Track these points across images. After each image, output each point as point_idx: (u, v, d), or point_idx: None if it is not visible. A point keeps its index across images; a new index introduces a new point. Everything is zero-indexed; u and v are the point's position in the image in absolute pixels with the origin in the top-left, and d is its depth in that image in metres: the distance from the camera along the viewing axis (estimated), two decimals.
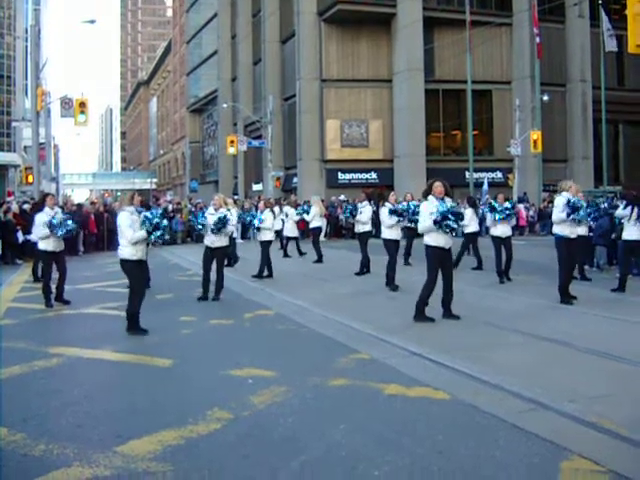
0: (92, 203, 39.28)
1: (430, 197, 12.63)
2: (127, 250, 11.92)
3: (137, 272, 12.18)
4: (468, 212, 20.68)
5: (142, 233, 11.83)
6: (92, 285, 18.49)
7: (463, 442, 6.43)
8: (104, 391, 8.57)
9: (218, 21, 77.94)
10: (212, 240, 15.91)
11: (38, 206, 16.49)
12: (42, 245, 15.24)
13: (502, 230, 18.28)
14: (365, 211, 20.13)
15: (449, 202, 12.56)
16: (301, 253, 26.75)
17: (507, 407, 7.40)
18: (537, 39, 50.88)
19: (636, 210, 15.83)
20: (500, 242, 18.31)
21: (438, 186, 12.63)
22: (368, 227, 20.30)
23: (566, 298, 14.40)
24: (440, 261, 12.48)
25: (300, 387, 8.26)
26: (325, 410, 7.46)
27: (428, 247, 12.51)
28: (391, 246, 17.23)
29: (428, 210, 12.37)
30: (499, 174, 54.48)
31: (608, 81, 54.46)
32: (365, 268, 20.09)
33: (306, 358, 9.92)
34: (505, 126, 54.78)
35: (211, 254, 16.13)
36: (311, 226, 25.34)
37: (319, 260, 24.25)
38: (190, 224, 17.76)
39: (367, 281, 18.60)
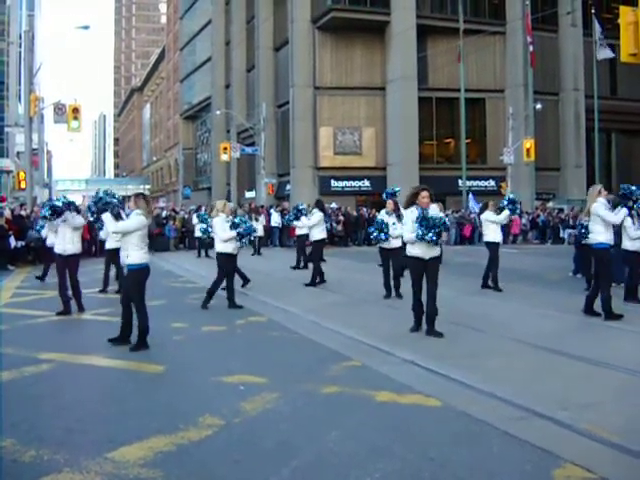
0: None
1: (413, 208, 11.81)
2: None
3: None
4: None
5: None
6: (84, 291, 18.40)
7: (455, 449, 6.42)
8: (95, 397, 8.53)
9: (212, 28, 77.99)
10: (235, 247, 15.88)
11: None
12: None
13: (493, 236, 18.15)
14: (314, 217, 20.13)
15: (435, 210, 12.06)
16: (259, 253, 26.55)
17: (499, 414, 7.39)
18: (530, 48, 51.03)
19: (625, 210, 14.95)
20: (495, 248, 18.12)
21: (425, 197, 11.80)
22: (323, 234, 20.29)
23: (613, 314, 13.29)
24: (420, 273, 11.81)
25: (292, 394, 8.24)
26: (317, 417, 7.44)
27: (408, 258, 12.03)
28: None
29: (411, 220, 11.72)
30: (492, 182, 54.60)
31: (601, 90, 54.59)
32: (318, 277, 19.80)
33: (298, 365, 9.90)
34: (498, 134, 54.87)
35: (233, 260, 16.21)
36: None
37: (297, 267, 24.45)
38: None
39: (359, 288, 18.57)
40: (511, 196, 18.76)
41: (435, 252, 11.83)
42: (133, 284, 11.17)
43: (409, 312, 12.07)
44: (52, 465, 6.04)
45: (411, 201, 11.96)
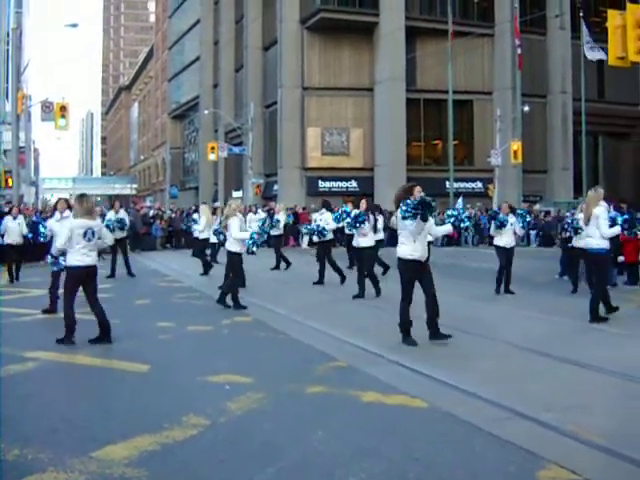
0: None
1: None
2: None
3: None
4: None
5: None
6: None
7: (440, 450, 6.43)
8: (80, 396, 8.51)
9: (201, 27, 77.95)
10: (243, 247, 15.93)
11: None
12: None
13: (506, 240, 17.86)
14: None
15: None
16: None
17: (484, 415, 7.40)
18: (518, 50, 51.02)
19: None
20: (504, 252, 17.89)
21: (421, 191, 11.14)
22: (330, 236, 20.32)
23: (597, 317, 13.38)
24: (415, 277, 11.16)
25: (277, 394, 8.24)
26: (302, 417, 7.44)
27: (404, 261, 11.11)
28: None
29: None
30: (479, 184, 54.73)
31: (588, 93, 54.70)
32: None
33: (283, 365, 9.90)
34: (486, 136, 54.98)
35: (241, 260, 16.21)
36: (274, 234, 23.45)
37: (277, 267, 24.44)
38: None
39: (346, 289, 18.57)
40: (520, 211, 18.74)
41: (427, 252, 11.58)
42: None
43: (395, 312, 12.02)
44: (36, 464, 6.02)
45: (405, 197, 11.07)
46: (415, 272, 11.14)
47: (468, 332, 12.25)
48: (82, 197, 11.87)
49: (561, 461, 6.07)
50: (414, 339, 10.92)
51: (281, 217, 24.53)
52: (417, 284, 11.14)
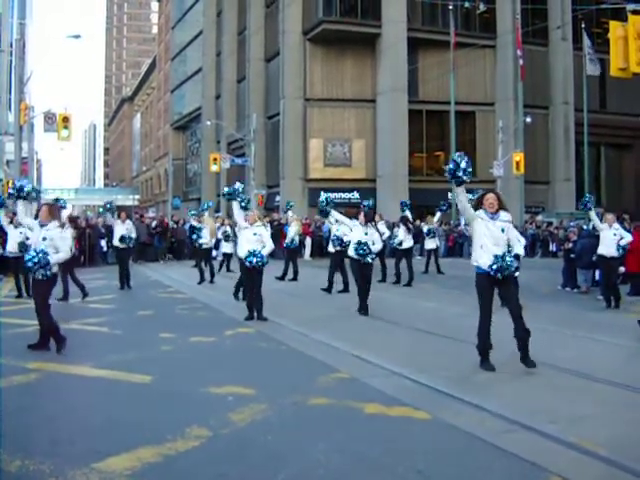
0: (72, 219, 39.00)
1: (480, 211, 10.32)
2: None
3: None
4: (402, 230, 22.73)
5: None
6: (72, 301, 18.39)
7: (443, 462, 6.41)
8: (82, 407, 8.49)
9: (203, 38, 78.05)
10: None
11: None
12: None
13: None
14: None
15: (507, 217, 10.34)
16: (229, 270, 26.56)
17: (487, 427, 7.38)
18: (520, 61, 51.17)
19: None
20: None
21: (490, 199, 10.39)
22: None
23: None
24: (492, 293, 10.23)
25: (280, 405, 8.22)
26: (305, 429, 7.42)
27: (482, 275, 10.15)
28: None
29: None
30: None
31: (590, 104, 54.79)
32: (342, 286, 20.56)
33: (286, 376, 9.88)
34: (488, 147, 54.94)
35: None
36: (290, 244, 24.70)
37: (295, 278, 24.35)
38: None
39: (348, 300, 18.55)
40: None
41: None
42: None
43: (398, 324, 11.98)
44: (37, 475, 6.01)
45: (476, 206, 10.52)
46: (492, 288, 10.28)
47: (471, 342, 12.23)
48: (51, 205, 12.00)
49: (564, 473, 6.06)
50: (492, 364, 10.11)
51: (294, 227, 24.59)
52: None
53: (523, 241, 9.72)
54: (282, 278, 24.16)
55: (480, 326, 10.16)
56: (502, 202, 10.40)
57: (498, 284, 10.10)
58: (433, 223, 27.61)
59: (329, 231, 23.09)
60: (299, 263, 25.31)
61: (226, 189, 15.64)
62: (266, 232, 15.27)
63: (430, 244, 28.20)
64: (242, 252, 14.99)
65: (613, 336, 13.16)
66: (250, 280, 15.27)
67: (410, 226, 23.55)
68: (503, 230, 10.11)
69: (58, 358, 10.98)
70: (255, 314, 15.04)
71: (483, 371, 9.89)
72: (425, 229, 28.27)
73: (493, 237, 10.00)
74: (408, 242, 23.40)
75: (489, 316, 10.13)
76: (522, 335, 9.96)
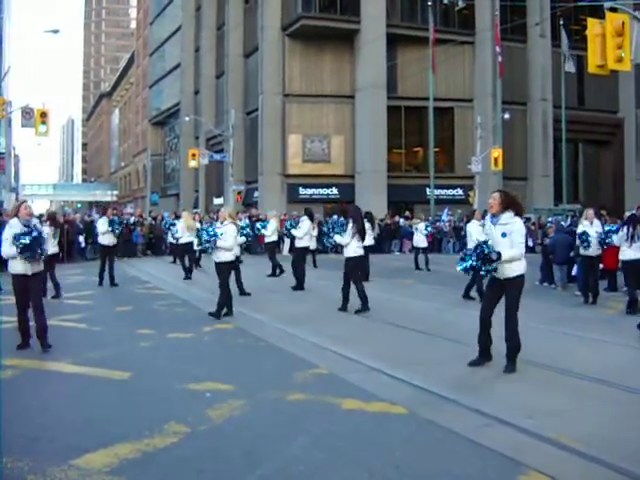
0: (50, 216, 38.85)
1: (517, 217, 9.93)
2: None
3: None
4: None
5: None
6: (50, 297, 18.31)
7: (420, 457, 6.45)
8: (60, 403, 8.47)
9: (182, 34, 77.69)
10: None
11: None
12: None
13: None
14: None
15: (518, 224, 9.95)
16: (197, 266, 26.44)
17: (465, 422, 7.42)
18: (499, 58, 51.24)
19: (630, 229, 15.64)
20: None
21: (490, 199, 10.11)
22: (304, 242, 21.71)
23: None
24: (497, 295, 10.20)
25: (258, 401, 8.23)
26: (283, 424, 7.44)
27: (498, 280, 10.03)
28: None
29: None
30: (460, 191, 54.78)
31: (568, 100, 54.93)
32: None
33: (264, 372, 9.89)
34: (466, 143, 54.96)
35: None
36: (268, 240, 24.99)
37: (273, 274, 24.32)
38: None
39: (326, 296, 18.58)
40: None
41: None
42: None
43: (378, 320, 12.02)
44: (16, 473, 6.00)
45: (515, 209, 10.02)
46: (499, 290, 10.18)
47: (451, 339, 12.29)
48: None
49: (541, 467, 6.11)
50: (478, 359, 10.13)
51: (273, 224, 24.61)
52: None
53: (518, 249, 9.35)
54: (281, 272, 24.14)
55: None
56: (506, 201, 9.98)
57: (503, 287, 10.00)
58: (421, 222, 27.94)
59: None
60: (278, 258, 25.33)
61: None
62: (232, 231, 15.13)
63: (421, 242, 28.09)
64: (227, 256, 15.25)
65: (590, 331, 13.25)
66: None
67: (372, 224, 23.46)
68: (504, 235, 9.79)
69: (35, 354, 10.94)
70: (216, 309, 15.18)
71: (460, 367, 9.93)
72: (419, 226, 28.18)
73: (494, 242, 9.81)
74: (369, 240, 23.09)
75: (484, 314, 10.15)
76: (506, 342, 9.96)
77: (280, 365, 10.35)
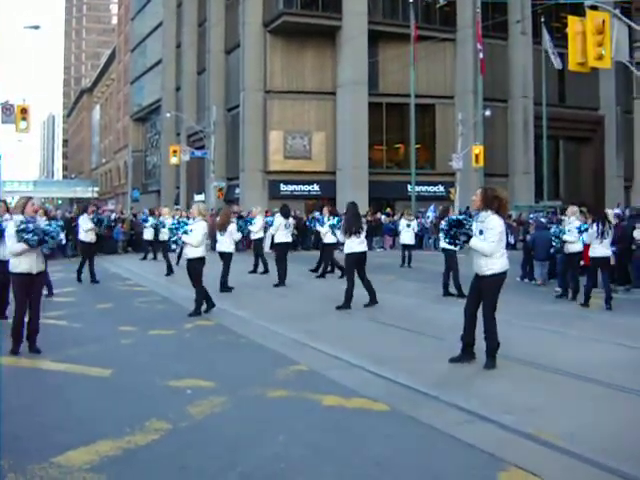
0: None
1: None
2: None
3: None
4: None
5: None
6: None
7: (401, 453, 6.46)
8: (41, 401, 8.45)
9: (163, 30, 77.42)
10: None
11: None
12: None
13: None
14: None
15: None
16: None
17: (445, 418, 7.45)
18: (480, 55, 51.29)
19: (600, 226, 15.91)
20: (453, 254, 17.77)
21: (474, 195, 10.33)
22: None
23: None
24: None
25: (239, 398, 8.24)
26: (264, 421, 7.44)
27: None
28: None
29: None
30: (441, 188, 54.87)
31: (549, 98, 55.06)
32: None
33: (246, 369, 9.90)
34: (447, 140, 55.06)
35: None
36: (254, 237, 25.05)
37: (254, 271, 24.36)
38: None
39: (309, 292, 18.59)
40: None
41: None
42: None
43: (359, 317, 12.04)
44: None
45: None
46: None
47: (431, 335, 12.31)
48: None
49: (521, 463, 6.14)
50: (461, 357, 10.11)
51: (258, 220, 24.63)
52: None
53: (488, 245, 9.31)
54: (265, 272, 24.06)
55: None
56: (484, 199, 10.04)
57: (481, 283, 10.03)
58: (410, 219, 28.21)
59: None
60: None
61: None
62: (201, 228, 15.04)
63: (408, 239, 28.11)
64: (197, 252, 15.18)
65: (570, 327, 13.34)
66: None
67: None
68: (481, 232, 9.90)
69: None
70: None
71: (441, 363, 9.95)
72: (406, 223, 28.23)
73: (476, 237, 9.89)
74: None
75: (468, 309, 10.20)
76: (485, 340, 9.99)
77: (261, 362, 10.35)
